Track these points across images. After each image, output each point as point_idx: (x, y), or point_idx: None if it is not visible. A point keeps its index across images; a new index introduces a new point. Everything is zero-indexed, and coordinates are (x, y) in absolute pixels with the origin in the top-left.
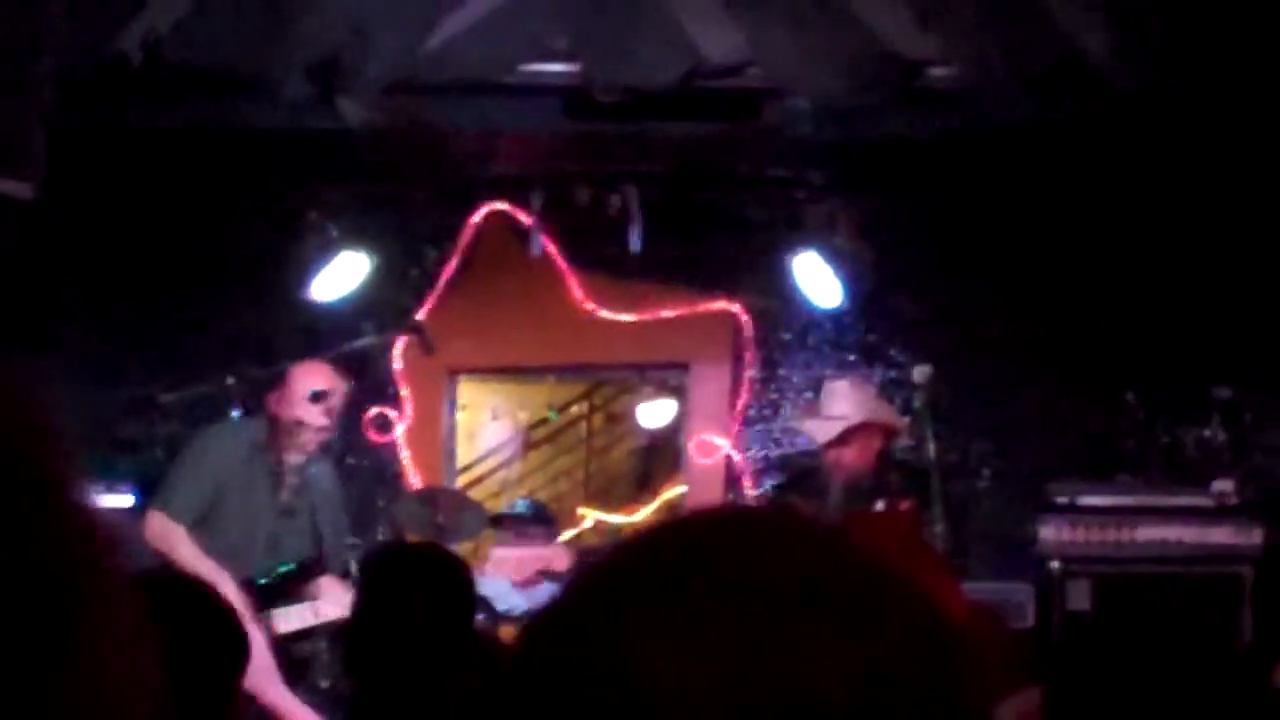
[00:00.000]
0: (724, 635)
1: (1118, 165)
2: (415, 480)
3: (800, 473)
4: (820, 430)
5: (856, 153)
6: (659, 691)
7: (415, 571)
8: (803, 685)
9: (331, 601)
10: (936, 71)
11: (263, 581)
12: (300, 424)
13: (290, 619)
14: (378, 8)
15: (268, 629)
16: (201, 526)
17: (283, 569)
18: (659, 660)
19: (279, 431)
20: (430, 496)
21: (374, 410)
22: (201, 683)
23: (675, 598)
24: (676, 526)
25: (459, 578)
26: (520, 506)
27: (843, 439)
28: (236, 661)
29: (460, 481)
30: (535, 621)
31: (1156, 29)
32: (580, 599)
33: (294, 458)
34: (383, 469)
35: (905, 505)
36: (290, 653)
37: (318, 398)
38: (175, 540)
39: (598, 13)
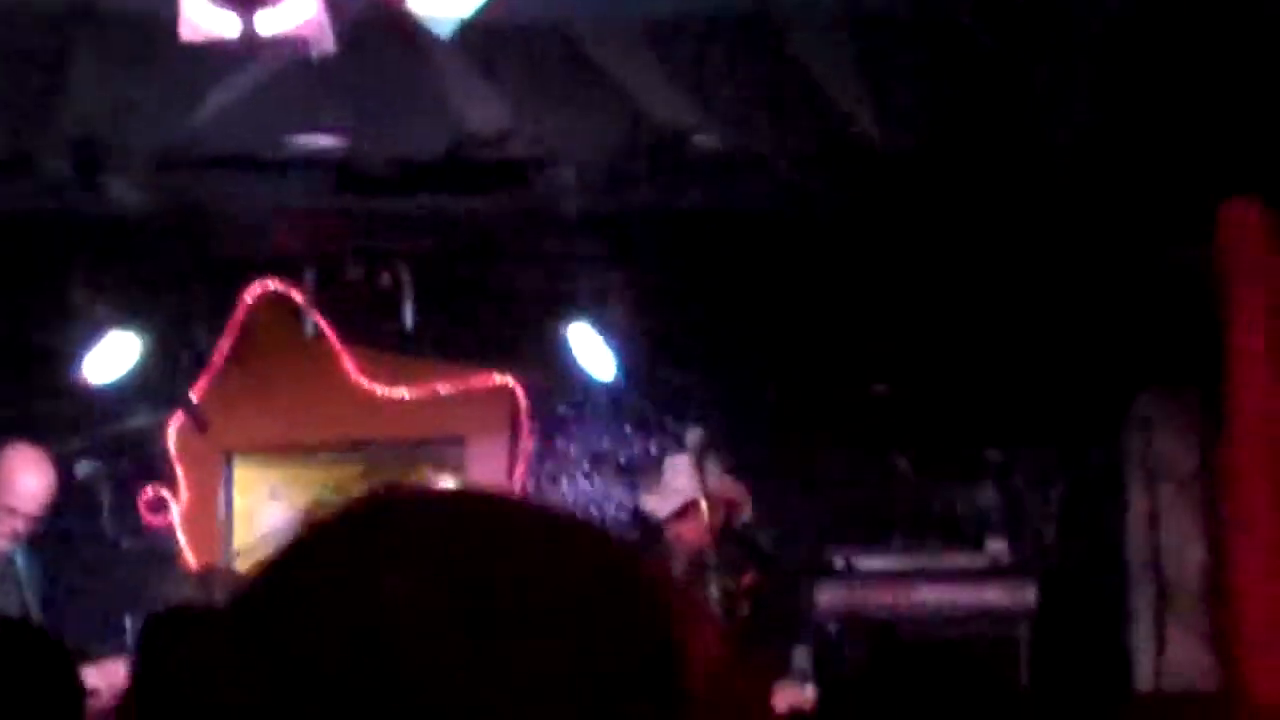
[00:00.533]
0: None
1: (885, 231)
2: (191, 562)
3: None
4: (661, 505)
5: (621, 223)
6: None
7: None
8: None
9: None
10: (701, 140)
11: None
12: (13, 513)
13: None
14: (142, 85)
15: None
16: None
17: None
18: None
19: None
20: (207, 577)
21: (149, 492)
22: None
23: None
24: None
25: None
26: None
27: (682, 514)
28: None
29: (239, 564)
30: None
31: (916, 90)
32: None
33: (3, 547)
34: (158, 551)
35: (747, 579)
36: None
37: (34, 483)
38: None
39: (364, 85)
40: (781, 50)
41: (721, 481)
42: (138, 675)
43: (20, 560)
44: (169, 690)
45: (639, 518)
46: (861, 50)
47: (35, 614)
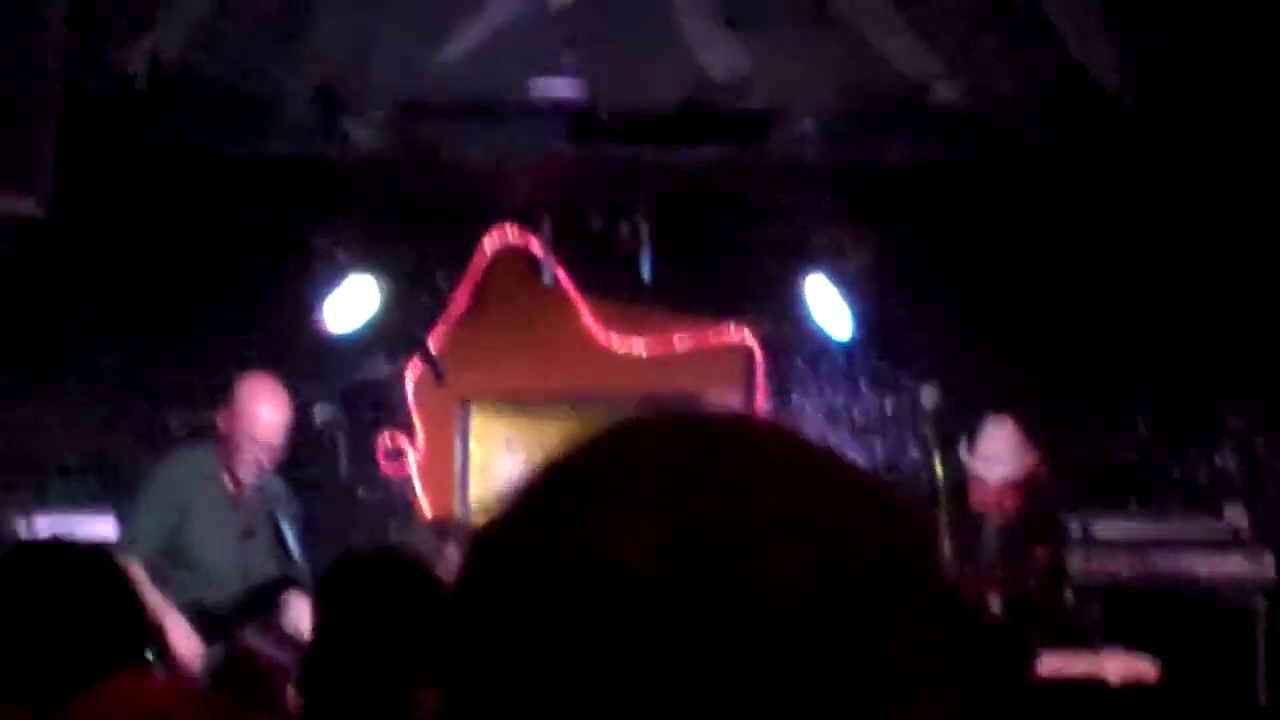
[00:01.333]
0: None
1: (1127, 185)
2: (428, 510)
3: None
4: (989, 472)
5: (862, 176)
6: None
7: (373, 582)
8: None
9: (299, 618)
10: (942, 91)
11: (232, 603)
12: (255, 442)
13: (263, 637)
14: (383, 29)
15: (241, 648)
16: (168, 560)
17: (250, 589)
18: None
19: (232, 450)
20: (442, 527)
21: (386, 440)
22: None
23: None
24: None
25: (412, 583)
26: None
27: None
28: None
29: (473, 514)
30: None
31: (1161, 46)
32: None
33: (248, 477)
34: (394, 500)
35: (1039, 553)
36: (262, 671)
37: (273, 414)
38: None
39: (604, 33)
40: (1028, 2)
41: (1028, 451)
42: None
43: (274, 495)
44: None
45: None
46: (1108, 4)
47: (292, 545)
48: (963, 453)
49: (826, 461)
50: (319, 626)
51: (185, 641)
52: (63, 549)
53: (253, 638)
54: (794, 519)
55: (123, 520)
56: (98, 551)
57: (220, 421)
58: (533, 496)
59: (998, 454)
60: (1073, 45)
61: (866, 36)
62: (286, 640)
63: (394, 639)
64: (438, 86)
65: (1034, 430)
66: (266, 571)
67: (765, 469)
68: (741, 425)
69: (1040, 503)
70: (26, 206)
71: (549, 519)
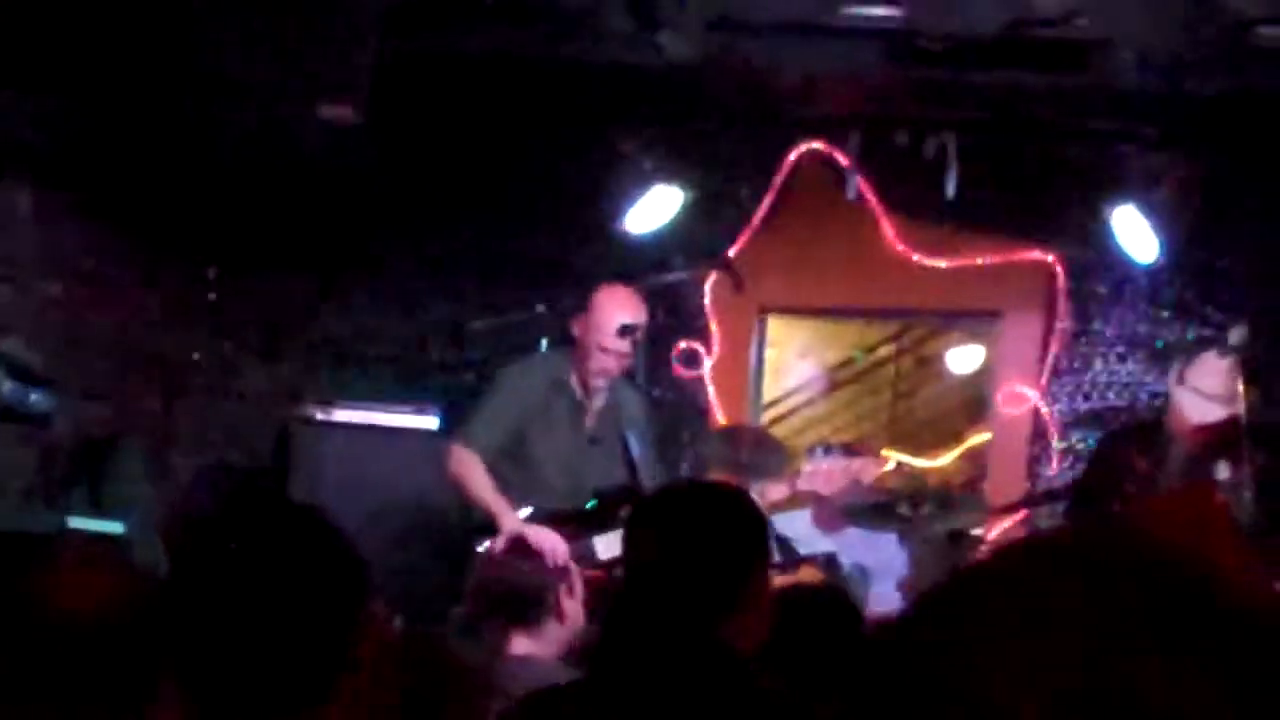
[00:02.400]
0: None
1: None
2: (720, 416)
3: (1137, 427)
4: (1197, 410)
5: (1183, 108)
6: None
7: (665, 510)
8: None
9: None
10: (1264, 30)
11: (582, 509)
12: (605, 351)
13: (611, 545)
14: None
15: (591, 555)
16: (508, 460)
17: (596, 496)
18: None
19: (583, 356)
20: (734, 434)
21: (682, 345)
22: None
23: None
24: (1034, 548)
25: (723, 517)
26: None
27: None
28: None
29: (764, 418)
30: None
31: None
32: (936, 615)
33: (599, 383)
34: (688, 404)
35: (1242, 469)
36: (614, 578)
37: (625, 331)
38: (469, 471)
39: None
40: None
41: (1240, 392)
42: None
43: (627, 402)
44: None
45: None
46: None
47: (638, 454)
48: (1171, 380)
49: (1240, 592)
50: (626, 558)
51: (514, 525)
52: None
53: (599, 545)
54: (1217, 668)
55: (442, 416)
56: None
57: (575, 328)
58: (944, 618)
59: (1212, 391)
60: None
61: None
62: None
63: (702, 574)
64: (755, 4)
65: None
66: (609, 479)
67: (1183, 614)
68: (1148, 553)
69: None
70: (345, 113)
71: (955, 647)
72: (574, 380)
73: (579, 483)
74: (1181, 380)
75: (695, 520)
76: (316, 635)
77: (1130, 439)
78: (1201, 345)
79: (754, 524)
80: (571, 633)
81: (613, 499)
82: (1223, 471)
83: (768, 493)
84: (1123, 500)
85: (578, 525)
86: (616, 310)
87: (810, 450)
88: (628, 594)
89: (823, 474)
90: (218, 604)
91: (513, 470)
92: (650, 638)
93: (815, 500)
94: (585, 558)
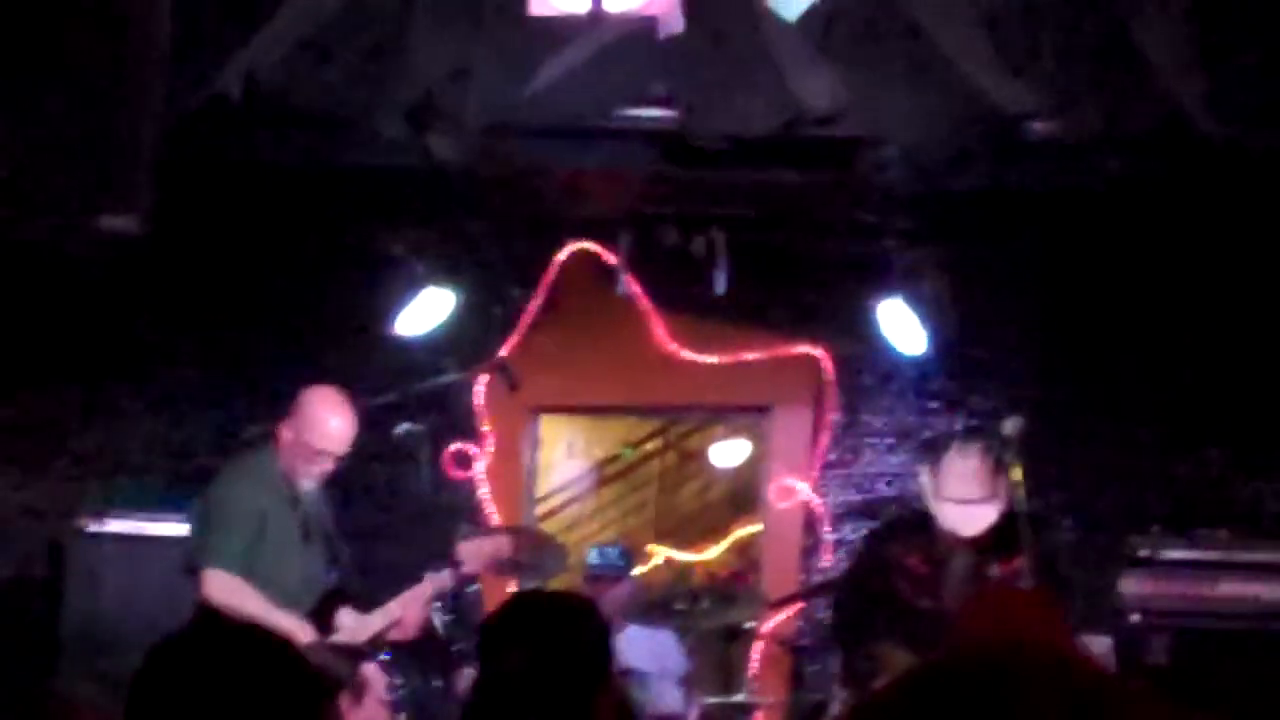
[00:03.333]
0: None
1: (1210, 220)
2: (495, 517)
3: (902, 524)
4: (965, 524)
5: (945, 203)
6: None
7: (523, 620)
8: None
9: (351, 628)
10: (1034, 125)
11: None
12: (322, 453)
13: (341, 635)
14: (478, 52)
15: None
16: (245, 571)
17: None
18: None
19: (296, 459)
20: (512, 534)
21: (455, 446)
22: None
23: None
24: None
25: (577, 624)
26: (613, 556)
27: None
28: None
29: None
30: None
31: (1254, 80)
32: None
33: (307, 484)
34: (461, 505)
35: (1016, 563)
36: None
37: (340, 425)
38: (239, 593)
39: (698, 60)
40: (1121, 36)
41: (1001, 479)
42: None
43: (318, 500)
44: None
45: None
46: (1202, 40)
47: (341, 550)
48: (926, 492)
49: None
50: (486, 670)
51: (305, 635)
52: (243, 636)
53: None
54: None
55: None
56: (274, 639)
57: (284, 430)
58: None
59: (968, 497)
60: (1166, 83)
61: (962, 68)
62: (341, 652)
63: (563, 681)
64: (529, 110)
65: (1107, 454)
66: (322, 577)
67: None
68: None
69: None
70: (127, 224)
71: None
72: (282, 482)
73: (301, 584)
74: (936, 494)
75: (562, 633)
76: None
77: (895, 537)
78: (938, 448)
79: (604, 635)
80: None
81: (329, 601)
82: (995, 570)
83: None
84: (896, 599)
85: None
86: (329, 412)
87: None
88: (491, 707)
89: (471, 552)
90: None
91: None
92: None
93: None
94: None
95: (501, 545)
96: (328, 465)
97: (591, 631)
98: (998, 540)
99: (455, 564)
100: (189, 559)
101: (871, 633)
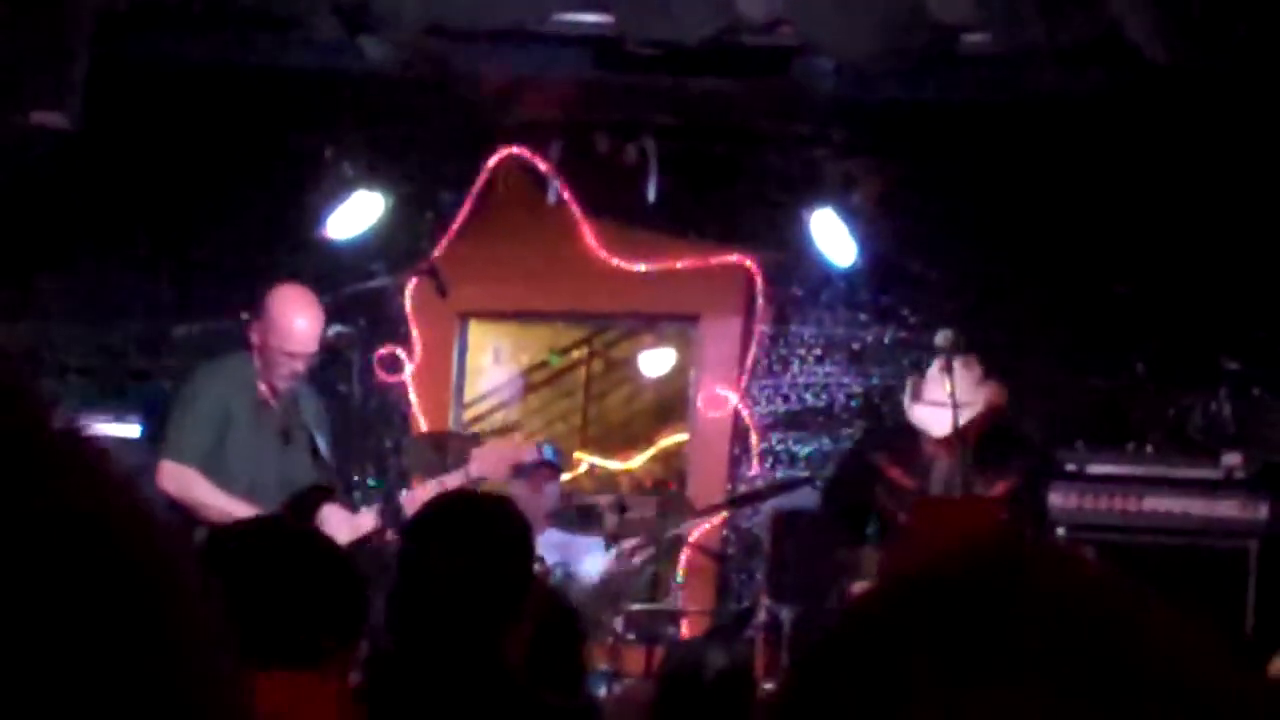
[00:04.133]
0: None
1: (1142, 138)
2: (422, 421)
3: (887, 434)
4: (935, 423)
5: (879, 114)
6: None
7: (452, 522)
8: None
9: (336, 526)
10: (971, 38)
11: (286, 505)
12: (290, 354)
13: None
14: None
15: None
16: (210, 465)
17: (293, 499)
18: None
19: (268, 362)
20: (439, 439)
21: (384, 350)
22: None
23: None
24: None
25: (502, 526)
26: (548, 453)
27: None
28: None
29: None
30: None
31: (1196, 7)
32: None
33: (283, 385)
34: (390, 409)
35: (1000, 486)
36: None
37: (306, 325)
38: (190, 483)
39: None
40: None
41: (988, 388)
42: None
43: (306, 401)
44: None
45: (871, 407)
46: None
47: (324, 451)
48: (907, 400)
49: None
50: (408, 566)
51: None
52: (273, 529)
53: None
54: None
55: (144, 424)
56: (309, 531)
57: (253, 333)
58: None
59: (940, 399)
60: (1110, 4)
61: None
62: None
63: (485, 583)
64: (463, 12)
65: (1034, 367)
66: (303, 478)
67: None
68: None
69: (1000, 434)
70: (58, 121)
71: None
72: (259, 384)
73: (277, 484)
74: (916, 397)
75: (483, 534)
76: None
77: (879, 445)
78: (888, 361)
79: (527, 535)
80: None
81: (309, 499)
82: (985, 488)
83: None
84: (875, 506)
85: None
86: (295, 311)
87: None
88: (413, 607)
89: (490, 460)
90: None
91: (216, 479)
92: (438, 653)
93: (519, 504)
94: None
95: (520, 449)
96: (298, 366)
97: (515, 529)
98: (983, 455)
99: (465, 466)
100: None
101: (852, 538)
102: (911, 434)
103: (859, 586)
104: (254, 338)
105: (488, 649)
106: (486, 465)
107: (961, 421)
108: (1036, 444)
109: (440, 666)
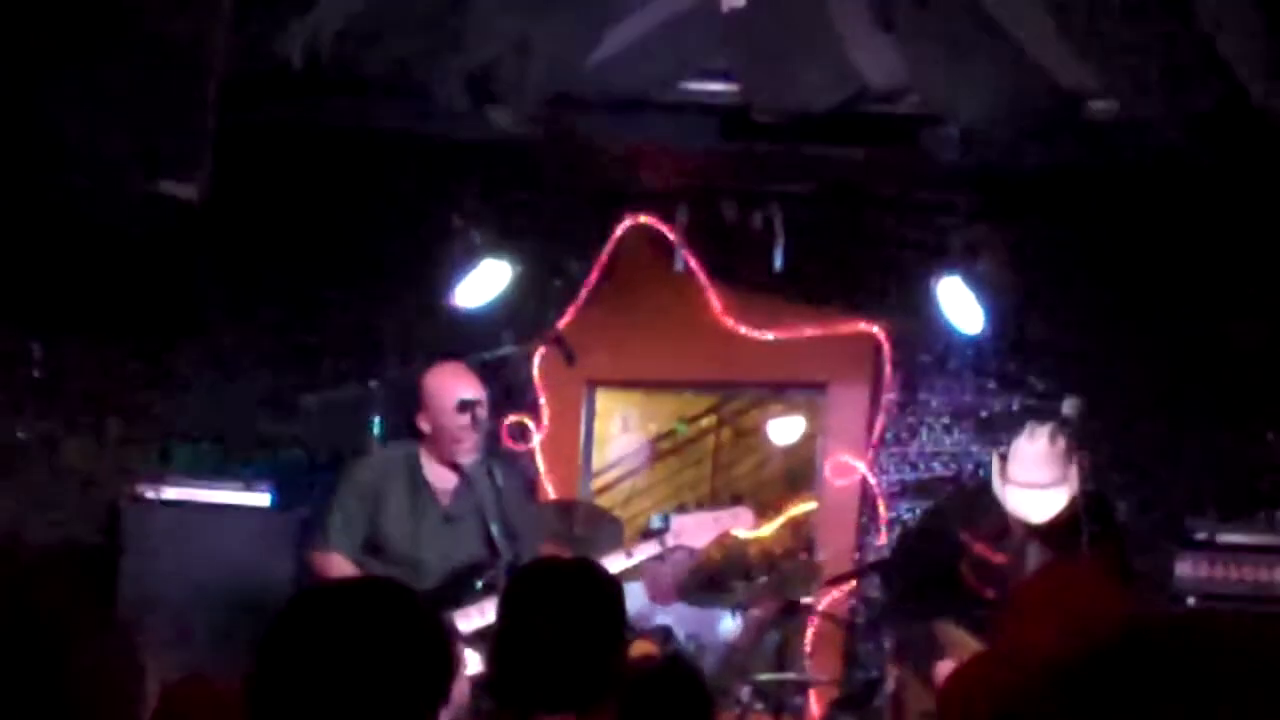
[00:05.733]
0: None
1: (1270, 203)
2: (550, 490)
3: (964, 505)
4: (1034, 509)
5: (1005, 180)
6: None
7: (562, 588)
8: None
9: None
10: (1096, 104)
11: (438, 585)
12: (450, 430)
13: (470, 619)
14: (541, 22)
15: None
16: (370, 556)
17: (453, 574)
18: None
19: (441, 444)
20: (567, 508)
21: (512, 419)
22: (410, 695)
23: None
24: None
25: (605, 597)
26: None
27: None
28: (446, 675)
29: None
30: None
31: None
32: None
33: (467, 459)
34: (522, 478)
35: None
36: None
37: (465, 406)
38: (333, 567)
39: (760, 35)
40: (1185, 16)
41: (1073, 462)
42: (500, 625)
43: (482, 483)
44: None
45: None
46: (1268, 20)
47: (495, 533)
48: (995, 477)
49: None
50: (505, 628)
51: None
52: (368, 590)
53: (459, 619)
54: None
55: (274, 492)
56: (407, 591)
57: (420, 422)
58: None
59: (1037, 481)
60: (1232, 65)
61: (1024, 46)
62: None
63: (581, 646)
64: (590, 82)
65: (1165, 435)
66: (471, 557)
67: None
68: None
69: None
70: (187, 190)
71: None
72: (424, 467)
73: (430, 562)
74: (1005, 477)
75: (587, 600)
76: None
77: (962, 518)
78: (1016, 429)
79: (621, 603)
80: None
81: (466, 575)
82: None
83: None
84: (961, 583)
85: (437, 601)
86: (451, 389)
87: (650, 517)
88: (511, 671)
89: (691, 528)
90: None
91: (375, 564)
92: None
93: (650, 574)
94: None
95: (721, 520)
96: (463, 447)
97: (615, 600)
98: (1071, 530)
99: (661, 538)
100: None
101: (931, 611)
102: (992, 505)
103: (945, 665)
104: (423, 426)
105: (578, 713)
106: (687, 535)
107: (1060, 506)
108: (1117, 512)
109: None
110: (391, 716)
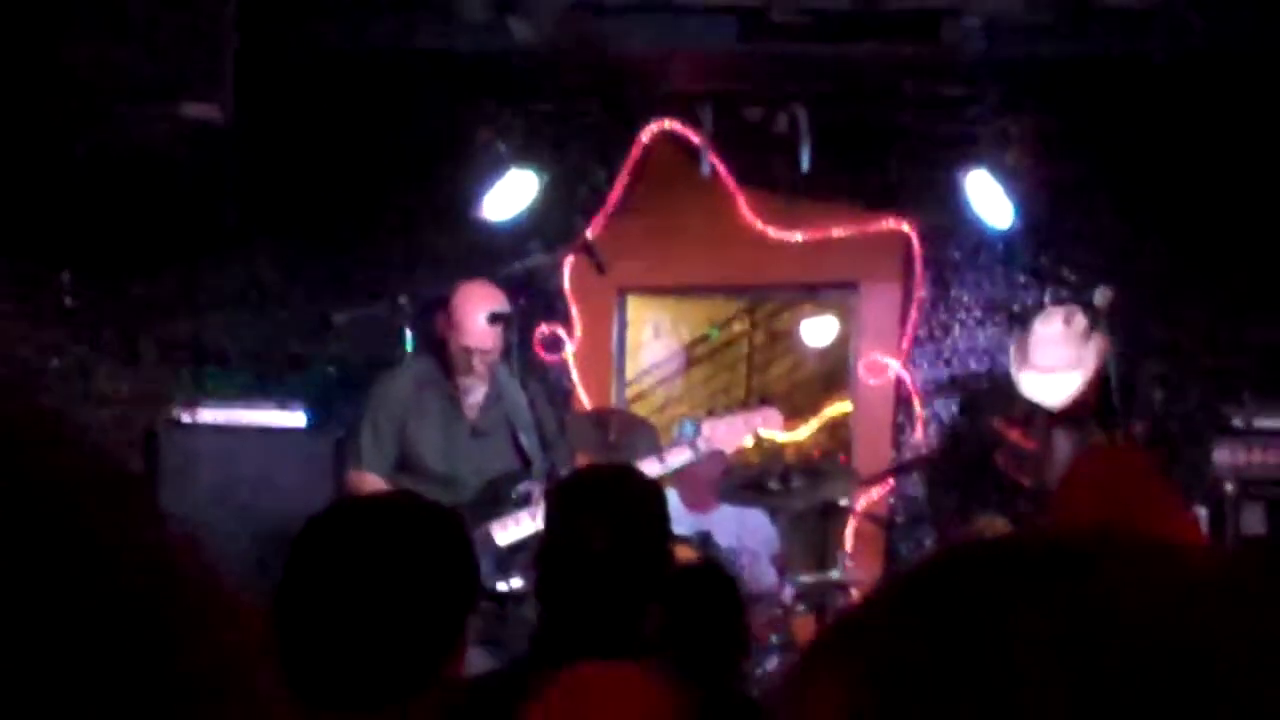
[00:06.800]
0: None
1: None
2: (585, 398)
3: (998, 398)
4: (1049, 393)
5: (1030, 71)
6: None
7: (607, 495)
8: None
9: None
10: None
11: (473, 499)
12: (470, 351)
13: (507, 530)
14: None
15: (489, 541)
16: (404, 473)
17: (488, 485)
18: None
19: (450, 359)
20: (601, 416)
21: (544, 329)
22: (436, 608)
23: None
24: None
25: (652, 503)
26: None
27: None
28: (471, 587)
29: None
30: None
31: None
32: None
33: (470, 381)
34: (552, 387)
35: (1137, 428)
36: (512, 564)
37: (494, 320)
38: (368, 486)
39: None
40: None
41: (1094, 345)
42: (547, 534)
43: (508, 394)
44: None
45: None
46: None
47: (525, 443)
48: (1013, 364)
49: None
50: (552, 538)
51: None
52: (400, 505)
53: (496, 531)
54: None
55: (309, 411)
56: (428, 503)
57: (438, 329)
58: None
59: (1052, 364)
60: None
61: None
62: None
63: (628, 555)
64: None
65: (1198, 322)
66: (504, 469)
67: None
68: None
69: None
70: (211, 112)
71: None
72: (446, 380)
73: (463, 476)
74: (1021, 363)
75: (635, 508)
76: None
77: (993, 409)
78: (1025, 320)
79: (665, 508)
80: None
81: (500, 487)
82: (1095, 435)
83: None
84: (998, 473)
85: (472, 514)
86: (478, 305)
87: (681, 422)
88: (566, 577)
89: (722, 432)
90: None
91: (409, 480)
92: (596, 625)
93: (684, 480)
94: (484, 544)
95: (751, 419)
96: (479, 363)
97: (663, 508)
98: (1098, 412)
99: (693, 443)
100: None
101: (972, 503)
102: (1016, 397)
103: None
104: (440, 332)
105: (627, 620)
106: (719, 438)
107: (1074, 389)
108: (1153, 395)
109: (582, 637)
110: (416, 628)
